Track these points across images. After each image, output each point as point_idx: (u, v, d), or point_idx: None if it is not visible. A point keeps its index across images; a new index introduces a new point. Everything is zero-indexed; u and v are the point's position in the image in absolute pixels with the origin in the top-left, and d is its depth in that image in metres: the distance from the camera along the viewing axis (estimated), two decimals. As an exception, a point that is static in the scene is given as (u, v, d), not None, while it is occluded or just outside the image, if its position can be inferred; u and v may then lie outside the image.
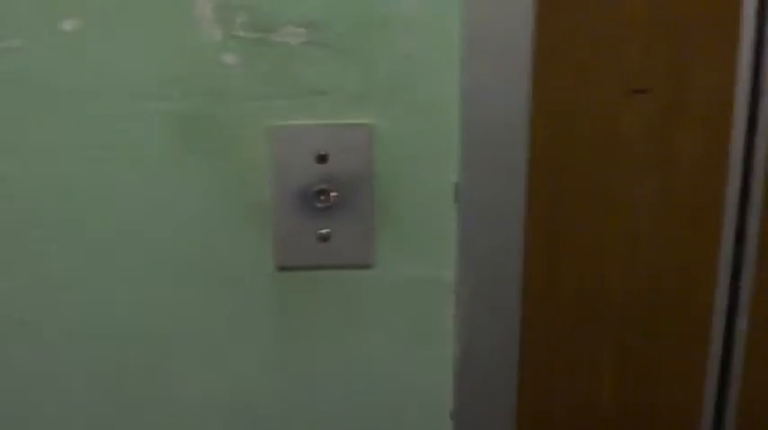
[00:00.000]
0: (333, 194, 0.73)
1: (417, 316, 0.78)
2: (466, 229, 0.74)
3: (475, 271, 0.75)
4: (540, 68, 0.80)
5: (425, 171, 0.74)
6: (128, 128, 0.72)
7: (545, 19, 0.81)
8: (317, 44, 0.71)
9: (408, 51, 0.72)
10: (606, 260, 0.93)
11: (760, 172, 0.91)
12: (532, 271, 0.88)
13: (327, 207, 0.73)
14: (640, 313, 0.95)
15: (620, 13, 0.84)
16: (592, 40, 0.85)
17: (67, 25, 0.70)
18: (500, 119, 0.75)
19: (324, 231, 0.74)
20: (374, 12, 0.71)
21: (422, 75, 0.72)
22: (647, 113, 0.88)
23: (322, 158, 0.73)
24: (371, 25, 0.71)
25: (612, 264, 0.93)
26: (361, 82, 0.72)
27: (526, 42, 0.74)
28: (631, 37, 0.85)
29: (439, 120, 0.73)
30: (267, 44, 0.71)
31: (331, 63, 0.72)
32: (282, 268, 0.76)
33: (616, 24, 0.84)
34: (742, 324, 0.96)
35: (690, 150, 0.90)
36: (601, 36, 0.85)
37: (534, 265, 0.89)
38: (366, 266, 0.76)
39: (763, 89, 0.89)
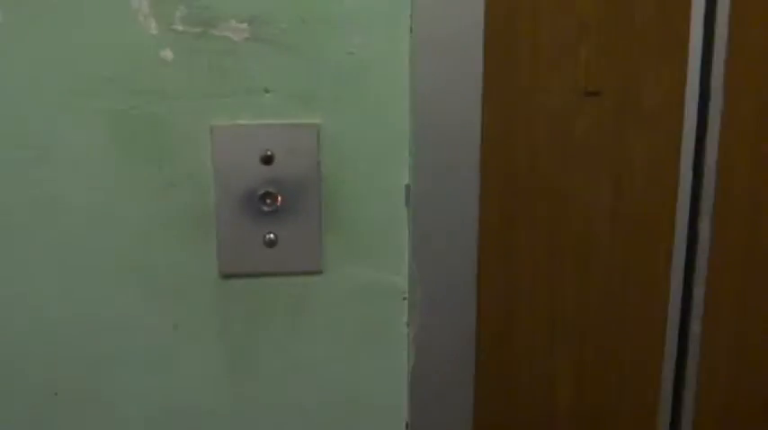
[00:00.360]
0: (279, 198, 0.70)
1: (369, 323, 0.76)
2: (418, 233, 0.72)
3: (428, 276, 0.73)
4: (492, 69, 0.79)
5: (375, 173, 0.72)
6: (61, 127, 0.68)
7: (496, 19, 0.80)
8: (260, 40, 0.69)
9: (356, 49, 0.69)
10: (561, 263, 0.92)
11: (711, 173, 0.92)
12: (487, 275, 0.87)
13: (273, 211, 0.70)
14: (595, 316, 0.94)
15: (572, 16, 0.83)
16: (544, 42, 0.84)
17: (-10, 18, 0.66)
18: (453, 119, 0.73)
19: (270, 236, 0.71)
20: (320, 7, 0.68)
21: (371, 73, 0.70)
22: (600, 115, 0.88)
23: (267, 160, 0.70)
24: (317, 21, 0.69)
25: (567, 266, 0.92)
26: (307, 80, 0.70)
27: (478, 42, 0.72)
28: (583, 40, 0.85)
29: (389, 121, 0.71)
30: (208, 39, 0.68)
31: (275, 60, 0.69)
32: (227, 275, 0.73)
33: (568, 27, 0.84)
34: (696, 326, 0.96)
35: (642, 152, 0.90)
36: (553, 38, 0.84)
37: (489, 269, 0.87)
38: (315, 272, 0.73)
39: (713, 90, 0.90)
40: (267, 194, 0.70)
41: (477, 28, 0.73)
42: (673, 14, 0.86)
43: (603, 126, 0.89)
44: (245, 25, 0.68)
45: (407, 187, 0.72)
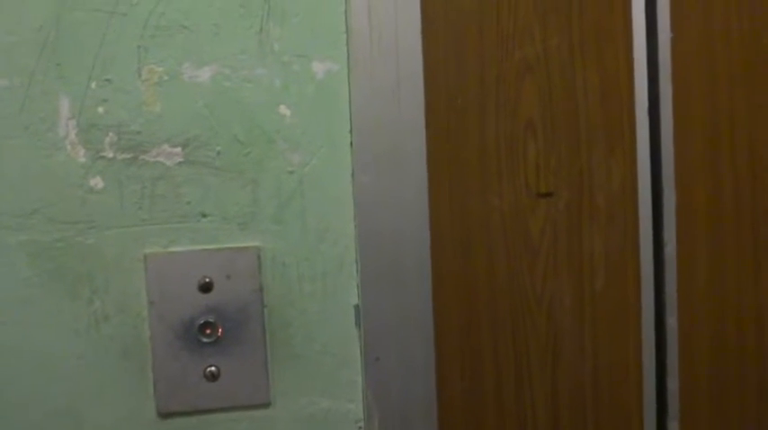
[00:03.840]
0: (220, 327, 0.68)
1: (324, 455, 0.72)
2: (371, 355, 0.70)
3: (384, 402, 0.70)
4: (438, 175, 0.79)
5: (322, 294, 0.70)
6: (-20, 264, 0.66)
7: (439, 122, 0.81)
8: (195, 163, 0.68)
9: (295, 167, 0.69)
10: (528, 366, 0.90)
11: (672, 267, 0.92)
12: (448, 396, 0.84)
13: (214, 341, 0.68)
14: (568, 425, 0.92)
15: (519, 118, 0.85)
16: (491, 144, 0.85)
17: None
18: (400, 232, 0.73)
19: (211, 369, 0.69)
20: (255, 127, 0.68)
21: (312, 190, 0.70)
22: (555, 216, 0.88)
23: (206, 287, 0.68)
24: (254, 141, 0.69)
25: (534, 369, 0.90)
26: (245, 202, 0.69)
27: (420, 150, 0.73)
28: (530, 142, 0.86)
29: (333, 239, 0.70)
30: (140, 165, 0.68)
31: (211, 183, 0.68)
32: (166, 414, 0.69)
33: (515, 130, 0.85)
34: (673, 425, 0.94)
35: (600, 249, 0.90)
36: (500, 143, 0.85)
37: (450, 389, 0.85)
38: (262, 405, 0.70)
39: (665, 179, 0.92)
40: (207, 324, 0.68)
41: (419, 135, 0.73)
42: (617, 108, 0.89)
43: (558, 226, 0.89)
44: (178, 149, 0.68)
45: (357, 307, 0.70)
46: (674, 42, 0.89)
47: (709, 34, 0.90)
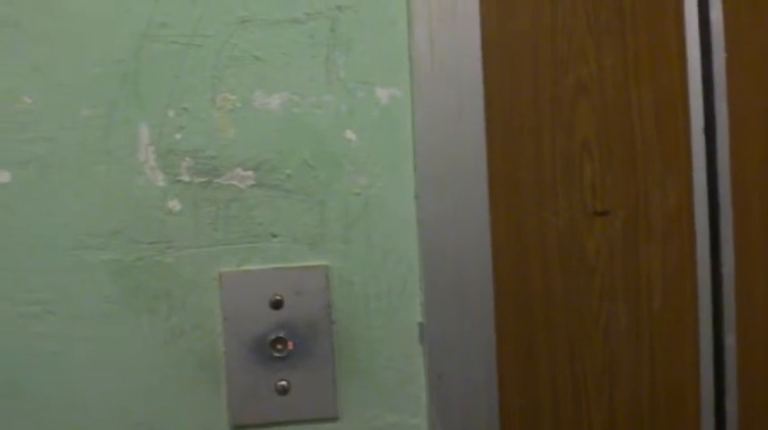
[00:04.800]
0: (290, 342, 0.71)
1: (389, 469, 0.75)
2: (434, 372, 0.73)
3: (447, 418, 0.73)
4: (497, 195, 0.82)
5: (387, 312, 0.74)
6: (67, 281, 0.71)
7: (496, 143, 0.84)
8: (266, 186, 0.72)
9: (361, 189, 0.73)
10: (585, 388, 0.91)
11: (729, 285, 0.93)
12: (509, 410, 0.86)
13: (285, 356, 0.72)
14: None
15: (574, 138, 0.87)
16: (547, 163, 0.87)
17: (0, 178, 0.70)
18: (462, 251, 0.76)
19: (282, 383, 0.72)
20: (323, 151, 0.72)
21: (377, 212, 0.73)
22: (611, 234, 0.90)
23: (277, 304, 0.72)
24: (323, 164, 0.72)
25: (591, 391, 0.91)
26: (314, 222, 0.73)
27: (482, 174, 0.76)
28: (586, 161, 0.88)
29: (397, 258, 0.74)
30: (214, 188, 0.72)
31: (281, 205, 0.72)
32: (239, 426, 0.73)
33: (571, 149, 0.87)
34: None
35: (657, 268, 0.91)
36: (556, 162, 0.87)
37: (509, 406, 0.87)
38: (330, 419, 0.73)
39: (722, 197, 0.93)
40: (278, 340, 0.71)
41: (480, 157, 0.76)
42: (672, 127, 0.90)
43: (614, 244, 0.91)
44: (250, 173, 0.72)
45: (420, 325, 0.73)
46: (729, 60, 0.90)
47: (764, 52, 0.91)
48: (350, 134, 0.73)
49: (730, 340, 0.94)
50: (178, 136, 0.72)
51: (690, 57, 0.89)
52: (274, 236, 0.73)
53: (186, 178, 0.72)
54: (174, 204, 0.72)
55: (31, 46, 0.69)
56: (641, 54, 0.88)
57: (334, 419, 0.74)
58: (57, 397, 0.72)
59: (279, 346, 0.72)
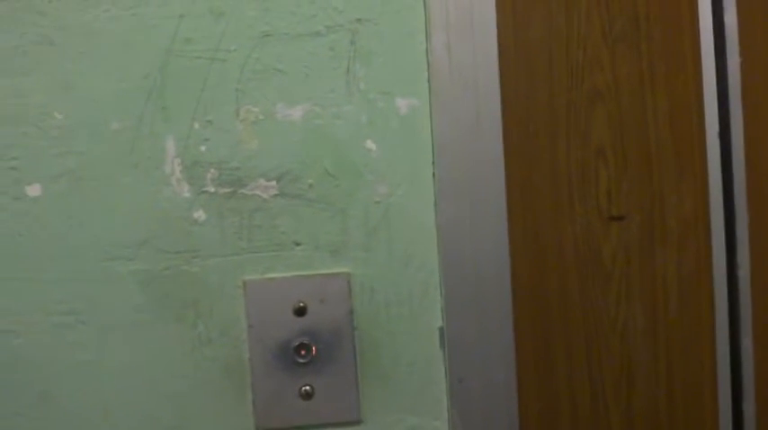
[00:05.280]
0: (314, 348, 0.73)
1: (411, 471, 0.77)
2: (455, 375, 0.74)
3: (468, 420, 0.75)
4: (513, 200, 0.84)
5: (408, 317, 0.76)
6: (96, 290, 0.74)
7: (513, 149, 0.85)
8: (289, 196, 0.74)
9: (381, 198, 0.75)
10: (602, 389, 0.92)
11: (746, 288, 0.94)
12: (528, 412, 0.88)
13: (309, 362, 0.73)
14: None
15: (589, 144, 0.89)
16: (564, 170, 0.89)
17: (32, 191, 0.72)
18: (480, 256, 0.77)
19: (306, 388, 0.74)
20: (344, 161, 0.74)
21: (398, 219, 0.75)
22: (626, 239, 0.91)
23: (300, 311, 0.74)
24: (344, 174, 0.74)
25: (608, 393, 0.93)
26: (336, 231, 0.75)
27: (500, 180, 0.77)
28: (601, 167, 0.90)
29: (418, 264, 0.76)
30: (238, 198, 0.74)
31: (304, 214, 0.74)
32: (264, 430, 0.75)
33: (586, 155, 0.89)
34: (750, 448, 0.95)
35: (673, 272, 0.93)
36: (572, 168, 0.89)
37: (529, 409, 0.88)
38: (354, 423, 0.75)
39: (737, 203, 0.93)
40: (302, 346, 0.73)
41: (498, 165, 0.78)
42: (687, 132, 0.92)
43: (631, 249, 0.92)
44: (273, 183, 0.74)
45: (441, 329, 0.75)
46: (744, 66, 0.91)
47: (779, 57, 0.92)
48: (370, 144, 0.75)
49: (747, 343, 0.95)
50: (203, 148, 0.74)
51: (704, 62, 0.91)
52: (297, 244, 0.75)
53: (211, 189, 0.74)
54: (200, 215, 0.74)
55: (64, 63, 0.72)
56: (656, 61, 0.90)
57: (357, 423, 0.76)
58: (88, 406, 0.74)
59: (303, 352, 0.74)
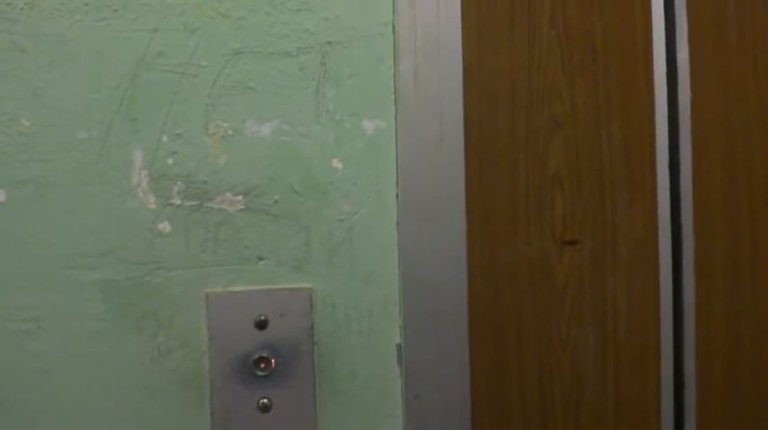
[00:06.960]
0: (273, 361, 0.75)
1: (365, 486, 0.79)
2: (411, 392, 0.77)
3: (423, 435, 0.77)
4: (473, 224, 0.87)
5: (367, 334, 0.78)
6: (58, 299, 0.74)
7: (473, 175, 0.89)
8: (254, 211, 0.76)
9: (345, 216, 0.77)
10: (552, 411, 0.96)
11: (690, 312, 0.99)
12: (481, 429, 0.90)
13: (267, 375, 0.75)
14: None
15: (547, 171, 0.93)
16: (522, 195, 0.93)
17: (-6, 197, 0.73)
18: (439, 276, 0.80)
19: (264, 401, 0.76)
20: (310, 179, 0.77)
21: (360, 237, 0.78)
22: (579, 263, 0.95)
23: (261, 324, 0.75)
24: (309, 191, 0.77)
25: (558, 414, 0.96)
26: (300, 247, 0.77)
27: (460, 203, 0.81)
28: (557, 193, 0.94)
29: (378, 282, 0.78)
30: (204, 211, 0.76)
31: (268, 229, 0.76)
32: (220, 442, 0.76)
33: (543, 181, 0.93)
34: (691, 468, 0.99)
35: (622, 295, 0.97)
36: (530, 193, 0.92)
37: (483, 423, 0.91)
38: (310, 436, 0.77)
39: (685, 231, 0.98)
40: (261, 359, 0.75)
41: (459, 187, 0.81)
42: (639, 162, 0.96)
43: (583, 273, 0.96)
44: (240, 197, 0.76)
45: (399, 346, 0.77)
46: (694, 101, 0.97)
47: (727, 93, 0.97)
48: (336, 163, 0.78)
49: (690, 366, 1.00)
50: (170, 160, 0.75)
51: (657, 95, 0.96)
52: (261, 258, 0.77)
53: (177, 201, 0.76)
54: (165, 226, 0.75)
55: (34, 71, 0.72)
56: (612, 92, 0.94)
57: (314, 437, 0.78)
58: (45, 414, 0.74)
59: (262, 365, 0.75)
